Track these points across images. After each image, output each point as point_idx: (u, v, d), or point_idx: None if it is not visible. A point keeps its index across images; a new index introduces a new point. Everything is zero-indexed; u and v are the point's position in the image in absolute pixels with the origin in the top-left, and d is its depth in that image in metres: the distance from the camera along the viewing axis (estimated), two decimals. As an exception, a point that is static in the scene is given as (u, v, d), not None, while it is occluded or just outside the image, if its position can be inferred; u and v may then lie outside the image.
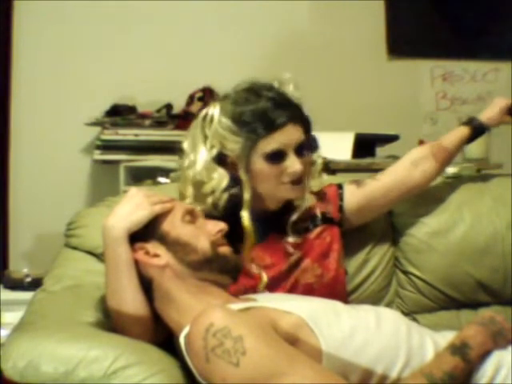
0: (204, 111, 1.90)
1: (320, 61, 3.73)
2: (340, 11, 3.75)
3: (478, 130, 2.17)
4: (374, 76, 3.78)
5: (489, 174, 3.12)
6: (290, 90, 1.90)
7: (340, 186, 2.04)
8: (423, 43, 3.86)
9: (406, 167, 2.07)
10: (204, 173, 1.86)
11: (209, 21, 3.63)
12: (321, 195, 2.02)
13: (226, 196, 1.86)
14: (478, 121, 2.16)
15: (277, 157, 1.83)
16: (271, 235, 1.93)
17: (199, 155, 1.86)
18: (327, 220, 1.98)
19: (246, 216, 1.86)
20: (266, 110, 1.82)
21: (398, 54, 3.86)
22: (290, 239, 1.92)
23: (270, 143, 1.82)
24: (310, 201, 1.94)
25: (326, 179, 2.04)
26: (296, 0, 3.70)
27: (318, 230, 1.97)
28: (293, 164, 1.83)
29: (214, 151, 1.85)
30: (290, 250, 1.91)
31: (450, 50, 3.89)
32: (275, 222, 1.93)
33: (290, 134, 1.82)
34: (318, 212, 1.98)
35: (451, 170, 3.07)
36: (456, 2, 3.85)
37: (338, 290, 1.93)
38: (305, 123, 1.87)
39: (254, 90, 1.86)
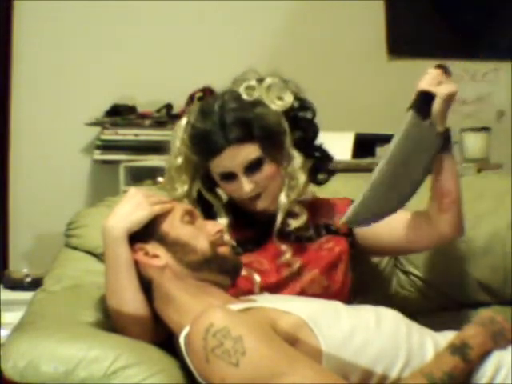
0: (179, 121, 1.90)
1: (320, 61, 3.73)
2: (340, 11, 3.75)
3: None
4: (374, 76, 3.77)
5: (489, 173, 3.13)
6: (258, 95, 1.83)
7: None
8: (423, 43, 3.86)
9: (415, 217, 1.92)
10: (168, 182, 1.89)
11: (209, 21, 3.63)
12: (328, 205, 1.97)
13: (195, 203, 1.86)
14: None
15: (228, 177, 1.83)
16: (271, 240, 1.90)
17: (168, 163, 1.89)
18: (331, 231, 1.95)
19: (222, 223, 1.86)
20: (209, 134, 1.79)
21: (398, 54, 3.85)
22: (283, 246, 1.89)
23: (217, 166, 1.82)
24: (292, 196, 1.86)
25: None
26: (296, 0, 3.70)
27: (322, 240, 1.93)
28: (241, 186, 1.82)
29: (180, 160, 1.86)
30: (286, 256, 1.88)
31: (450, 50, 3.89)
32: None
33: (232, 157, 1.79)
34: (322, 222, 1.95)
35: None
36: (456, 2, 3.85)
37: (341, 300, 1.89)
38: (262, 139, 1.80)
39: (203, 109, 1.84)
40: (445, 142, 1.81)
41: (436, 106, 1.76)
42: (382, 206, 1.75)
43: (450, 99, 1.76)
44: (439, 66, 1.81)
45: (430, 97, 1.77)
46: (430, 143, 1.79)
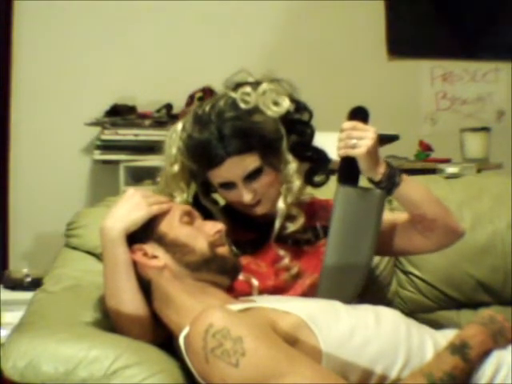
0: (173, 126, 1.89)
1: (320, 61, 3.73)
2: (340, 11, 3.75)
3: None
4: (374, 76, 3.77)
5: (489, 173, 3.13)
6: (254, 101, 1.80)
7: None
8: (423, 43, 3.86)
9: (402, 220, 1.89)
10: (165, 187, 1.87)
11: (209, 21, 3.63)
12: (326, 207, 1.94)
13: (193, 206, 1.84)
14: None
15: (227, 186, 1.81)
16: (269, 243, 1.88)
17: (164, 171, 1.87)
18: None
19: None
20: (208, 145, 1.76)
21: (398, 54, 3.85)
22: (281, 251, 1.87)
23: (216, 176, 1.79)
24: (289, 199, 1.84)
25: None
26: (296, 0, 3.70)
27: (320, 242, 1.89)
28: (241, 195, 1.80)
29: (176, 168, 1.84)
30: (285, 262, 1.86)
31: (450, 50, 3.89)
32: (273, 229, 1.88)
33: (231, 169, 1.77)
34: (319, 224, 1.92)
35: (451, 169, 3.08)
36: (456, 2, 3.85)
37: None
38: (261, 148, 1.78)
39: (200, 118, 1.80)
40: (390, 180, 1.75)
41: (361, 166, 1.73)
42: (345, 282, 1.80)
43: (372, 151, 1.71)
44: (353, 114, 1.77)
45: (352, 158, 1.72)
46: (371, 205, 1.76)
